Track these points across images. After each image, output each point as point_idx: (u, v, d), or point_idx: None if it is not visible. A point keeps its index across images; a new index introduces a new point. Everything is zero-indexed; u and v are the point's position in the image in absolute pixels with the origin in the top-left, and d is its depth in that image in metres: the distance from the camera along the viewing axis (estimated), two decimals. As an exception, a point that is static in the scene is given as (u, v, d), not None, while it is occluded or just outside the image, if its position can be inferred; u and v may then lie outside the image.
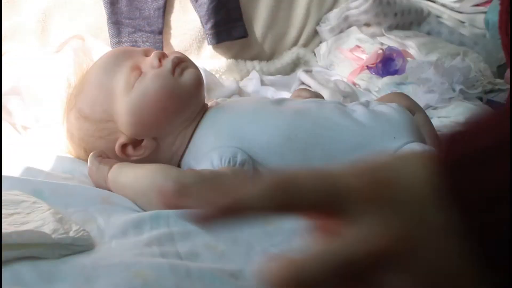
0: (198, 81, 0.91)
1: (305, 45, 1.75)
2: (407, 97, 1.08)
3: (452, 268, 0.34)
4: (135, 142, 0.90)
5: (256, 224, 0.76)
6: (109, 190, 0.83)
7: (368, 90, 1.50)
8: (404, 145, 0.87)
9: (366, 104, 0.96)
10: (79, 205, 0.77)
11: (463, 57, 1.44)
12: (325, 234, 0.38)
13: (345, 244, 0.35)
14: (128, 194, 0.81)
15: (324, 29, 1.74)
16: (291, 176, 0.36)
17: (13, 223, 0.64)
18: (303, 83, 1.51)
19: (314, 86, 1.44)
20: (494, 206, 0.32)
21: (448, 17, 1.84)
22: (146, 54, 0.93)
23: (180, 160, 0.92)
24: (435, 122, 1.23)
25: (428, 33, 1.76)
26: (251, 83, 1.53)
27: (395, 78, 1.46)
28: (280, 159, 0.87)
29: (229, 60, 1.63)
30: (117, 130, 0.89)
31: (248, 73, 1.61)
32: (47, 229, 0.64)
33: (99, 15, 1.49)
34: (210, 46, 1.61)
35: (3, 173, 0.80)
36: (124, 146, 0.90)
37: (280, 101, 0.95)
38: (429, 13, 1.80)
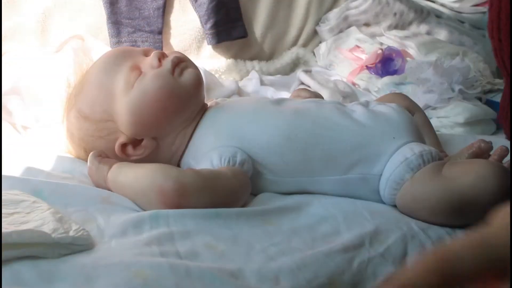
0: (197, 81, 0.92)
1: (305, 45, 1.76)
2: (406, 97, 1.08)
3: None
4: (135, 142, 0.90)
5: (256, 223, 0.77)
6: (109, 189, 0.84)
7: (367, 90, 1.51)
8: (403, 145, 0.87)
9: (366, 104, 0.97)
10: (79, 204, 0.77)
11: (463, 57, 1.45)
12: None
13: None
14: (127, 194, 0.81)
15: (323, 29, 1.74)
16: (449, 253, 0.37)
17: (13, 222, 0.65)
18: (302, 83, 1.52)
19: (314, 86, 1.45)
20: None
21: (448, 17, 1.85)
22: (146, 54, 0.93)
23: (179, 160, 0.92)
24: (434, 122, 1.24)
25: (428, 33, 1.76)
26: (250, 83, 1.53)
27: (395, 78, 1.47)
28: (279, 159, 0.87)
29: (228, 60, 1.63)
30: (117, 130, 0.89)
31: (247, 73, 1.61)
32: (47, 228, 0.64)
33: (99, 15, 1.49)
34: (210, 46, 1.61)
35: (3, 173, 0.80)
36: (124, 146, 0.90)
37: (280, 101, 0.96)
38: (428, 13, 1.80)
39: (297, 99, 1.01)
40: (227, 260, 0.68)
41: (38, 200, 0.73)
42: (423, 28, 1.77)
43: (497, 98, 1.37)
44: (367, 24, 1.77)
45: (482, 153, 0.92)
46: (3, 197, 0.70)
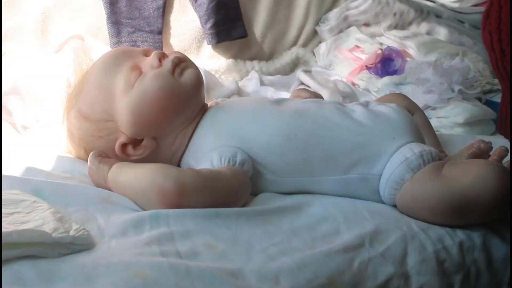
0: (198, 81, 0.92)
1: (305, 45, 1.76)
2: (406, 97, 1.08)
3: None
4: (135, 142, 0.90)
5: (256, 223, 0.77)
6: (109, 189, 0.84)
7: (367, 90, 1.51)
8: (403, 145, 0.87)
9: (366, 104, 0.97)
10: (79, 204, 0.77)
11: (462, 57, 1.45)
12: None
13: None
14: (128, 194, 0.81)
15: (323, 29, 1.74)
16: None
17: (13, 222, 0.65)
18: (302, 83, 1.52)
19: (314, 86, 1.45)
20: None
21: (448, 17, 1.85)
22: (146, 54, 0.93)
23: (180, 160, 0.92)
24: (434, 122, 1.24)
25: (428, 33, 1.76)
26: (250, 83, 1.53)
27: (394, 78, 1.47)
28: (279, 159, 0.87)
29: (228, 60, 1.63)
30: (117, 129, 0.89)
31: (247, 73, 1.61)
32: (47, 228, 0.64)
33: (99, 15, 1.49)
34: (210, 46, 1.61)
35: (3, 173, 0.80)
36: (124, 146, 0.90)
37: (280, 101, 0.96)
38: (428, 13, 1.80)
39: (297, 99, 1.01)
40: (227, 260, 0.68)
41: (38, 199, 0.73)
42: (423, 28, 1.77)
43: (497, 98, 1.37)
44: (367, 24, 1.77)
45: (482, 153, 0.92)
46: (3, 197, 0.70)
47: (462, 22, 1.85)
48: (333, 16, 1.75)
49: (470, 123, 1.27)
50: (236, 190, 0.82)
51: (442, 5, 1.87)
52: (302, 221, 0.79)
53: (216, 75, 1.55)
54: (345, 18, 1.74)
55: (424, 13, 1.80)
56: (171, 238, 0.70)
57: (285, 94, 1.39)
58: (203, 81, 0.94)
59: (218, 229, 0.74)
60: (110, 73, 0.90)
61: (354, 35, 1.71)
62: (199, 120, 0.93)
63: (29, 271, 0.60)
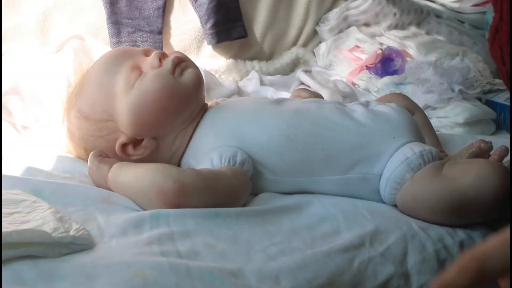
0: (198, 81, 0.92)
1: (305, 45, 1.76)
2: (406, 97, 1.08)
3: None
4: (135, 142, 0.90)
5: (256, 223, 0.77)
6: (109, 189, 0.84)
7: (367, 90, 1.51)
8: (403, 145, 0.87)
9: (366, 104, 0.97)
10: (79, 204, 0.77)
11: (462, 57, 1.45)
12: None
13: None
14: (128, 194, 0.81)
15: (323, 29, 1.74)
16: (481, 252, 0.43)
17: (13, 222, 0.65)
18: (302, 83, 1.51)
19: (314, 86, 1.45)
20: None
21: (448, 17, 1.85)
22: (146, 54, 0.93)
23: (180, 160, 0.93)
24: (434, 122, 1.24)
25: (428, 33, 1.76)
26: (250, 83, 1.53)
27: (394, 78, 1.47)
28: (280, 158, 0.87)
29: (228, 60, 1.63)
30: (117, 129, 0.89)
31: (247, 73, 1.61)
32: (47, 228, 0.64)
33: (99, 15, 1.49)
34: (210, 46, 1.61)
35: (3, 173, 0.80)
36: (124, 146, 0.90)
37: (280, 101, 0.96)
38: (428, 13, 1.80)
39: (297, 99, 1.01)
40: (227, 259, 0.68)
41: (38, 199, 0.73)
42: (423, 28, 1.77)
43: (497, 98, 1.37)
44: (367, 24, 1.77)
45: (482, 153, 0.92)
46: (3, 197, 0.70)
47: (462, 22, 1.85)
48: (333, 16, 1.75)
49: (470, 123, 1.26)
50: (236, 190, 0.82)
51: (442, 5, 1.87)
52: (302, 221, 0.79)
53: (216, 75, 1.55)
54: (345, 18, 1.74)
55: (424, 13, 1.80)
56: (171, 238, 0.70)
57: (285, 94, 1.39)
58: (203, 81, 0.94)
59: (218, 229, 0.74)
60: (110, 73, 0.90)
61: (354, 35, 1.71)
62: (199, 120, 0.93)
63: (29, 271, 0.60)
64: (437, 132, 1.06)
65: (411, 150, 0.85)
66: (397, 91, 1.33)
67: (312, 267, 0.68)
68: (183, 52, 0.97)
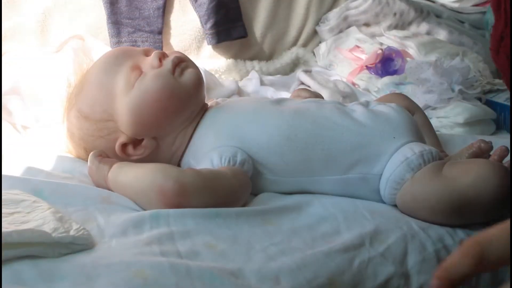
0: (198, 81, 0.92)
1: (305, 45, 1.76)
2: (406, 97, 1.08)
3: None
4: (135, 142, 0.90)
5: (256, 223, 0.77)
6: (109, 189, 0.84)
7: (367, 90, 1.51)
8: (403, 145, 0.87)
9: (366, 104, 0.97)
10: (79, 204, 0.77)
11: (462, 57, 1.45)
12: None
13: None
14: (128, 194, 0.81)
15: (323, 29, 1.74)
16: (482, 239, 0.45)
17: (13, 222, 0.65)
18: (302, 83, 1.52)
19: (314, 86, 1.45)
20: None
21: (448, 17, 1.85)
22: (146, 54, 0.93)
23: (180, 160, 0.93)
24: (434, 122, 1.24)
25: (428, 33, 1.76)
26: (250, 83, 1.53)
27: (394, 78, 1.47)
28: (280, 158, 0.87)
29: (228, 60, 1.63)
30: (117, 129, 0.90)
31: (247, 73, 1.61)
32: (47, 228, 0.64)
33: (99, 15, 1.49)
34: (210, 46, 1.61)
35: (3, 173, 0.80)
36: (124, 146, 0.90)
37: (280, 101, 0.96)
38: (428, 13, 1.80)
39: (297, 99, 1.01)
40: (227, 259, 0.68)
41: (38, 199, 0.73)
42: (423, 28, 1.77)
43: (497, 98, 1.37)
44: (367, 24, 1.77)
45: (482, 153, 0.92)
46: (3, 197, 0.70)
47: (462, 22, 1.85)
48: (333, 16, 1.75)
49: (470, 123, 1.27)
50: (236, 190, 0.82)
51: (442, 5, 1.87)
52: (302, 221, 0.79)
53: (216, 75, 1.55)
54: (345, 18, 1.74)
55: (424, 13, 1.80)
56: (171, 238, 0.70)
57: (285, 94, 1.39)
58: (203, 81, 0.94)
59: (218, 229, 0.74)
60: (110, 73, 0.90)
61: (354, 35, 1.71)
62: (199, 120, 0.93)
63: (29, 270, 0.60)
64: (437, 132, 1.06)
65: (411, 150, 0.85)
66: (397, 91, 1.34)
67: (312, 267, 0.68)
68: (183, 52, 0.97)
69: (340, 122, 0.90)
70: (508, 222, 0.44)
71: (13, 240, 0.60)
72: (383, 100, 1.05)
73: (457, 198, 0.79)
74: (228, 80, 1.54)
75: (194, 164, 0.88)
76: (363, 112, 0.92)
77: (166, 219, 0.73)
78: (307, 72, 1.56)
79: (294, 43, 1.75)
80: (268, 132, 0.88)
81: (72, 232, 0.65)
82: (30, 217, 0.67)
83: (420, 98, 1.28)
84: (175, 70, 0.90)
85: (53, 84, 1.11)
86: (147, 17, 1.53)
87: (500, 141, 1.03)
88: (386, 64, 1.52)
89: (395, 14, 1.75)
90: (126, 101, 0.88)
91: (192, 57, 1.41)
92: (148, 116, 0.88)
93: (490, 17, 1.52)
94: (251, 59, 1.66)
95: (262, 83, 1.53)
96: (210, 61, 1.60)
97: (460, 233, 0.80)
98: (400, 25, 1.77)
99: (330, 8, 1.78)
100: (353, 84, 1.54)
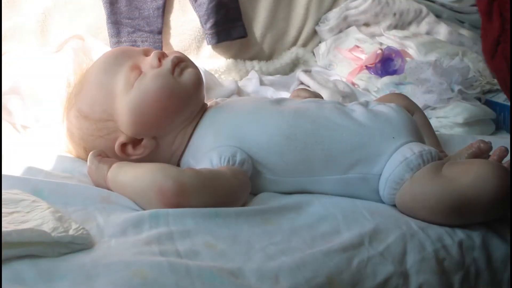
0: (197, 81, 0.92)
1: (304, 45, 1.76)
2: (405, 97, 1.08)
3: None
4: (135, 142, 0.90)
5: (256, 223, 0.77)
6: (109, 189, 0.84)
7: (367, 90, 1.51)
8: (402, 145, 0.87)
9: (365, 104, 0.97)
10: (79, 204, 0.77)
11: (462, 57, 1.45)
12: None
13: None
14: (127, 193, 0.81)
15: (323, 29, 1.74)
16: None
17: (13, 221, 0.65)
18: (302, 83, 1.52)
19: (313, 86, 1.45)
20: None
21: (447, 17, 1.85)
22: (146, 54, 0.93)
23: (179, 160, 0.93)
24: (434, 122, 1.24)
25: (427, 33, 1.76)
26: (250, 83, 1.53)
27: (394, 78, 1.47)
28: (279, 158, 0.87)
29: (228, 60, 1.63)
30: (117, 129, 0.90)
31: (247, 73, 1.62)
32: (47, 227, 0.64)
33: (99, 15, 1.50)
34: (210, 46, 1.61)
35: (3, 173, 0.81)
36: (123, 146, 0.90)
37: (280, 101, 0.96)
38: (428, 13, 1.80)
39: (297, 99, 1.01)
40: (227, 259, 0.68)
41: (38, 199, 0.73)
42: (423, 28, 1.77)
43: (497, 98, 1.37)
44: (366, 24, 1.77)
45: (482, 153, 0.92)
46: (3, 196, 0.70)
47: (462, 22, 1.85)
48: (333, 16, 1.75)
49: (469, 123, 1.27)
50: (235, 190, 0.82)
51: (442, 5, 1.87)
52: (302, 220, 0.79)
53: (216, 75, 1.55)
54: (345, 18, 1.74)
55: (424, 13, 1.80)
56: (171, 238, 0.70)
57: (285, 94, 1.39)
58: (203, 81, 0.94)
59: (218, 228, 0.74)
60: (110, 73, 0.90)
61: (354, 35, 1.71)
62: (199, 120, 0.93)
63: (29, 270, 0.61)
64: (436, 132, 1.06)
65: (411, 150, 0.85)
66: (396, 91, 1.34)
67: (311, 267, 0.68)
68: (183, 52, 0.97)
69: (340, 122, 0.90)
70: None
71: (12, 239, 0.61)
72: (382, 100, 1.06)
73: (457, 198, 0.79)
74: (227, 80, 1.54)
75: (193, 164, 0.88)
76: (363, 112, 0.92)
77: (166, 218, 0.73)
78: (307, 72, 1.56)
79: (294, 43, 1.75)
80: (268, 132, 0.88)
81: (71, 232, 0.65)
82: (29, 217, 0.67)
83: (419, 98, 1.28)
84: (175, 70, 0.90)
85: (53, 84, 1.11)
86: (147, 17, 1.53)
87: (499, 141, 1.03)
88: (386, 64, 1.52)
89: (394, 14, 1.75)
90: (125, 101, 0.88)
91: (192, 57, 1.41)
92: (148, 116, 0.88)
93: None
94: (251, 59, 1.66)
95: (261, 83, 1.53)
96: (210, 61, 1.60)
97: (459, 233, 0.81)
98: (400, 25, 1.77)
99: (329, 8, 1.78)
100: (353, 84, 1.54)
